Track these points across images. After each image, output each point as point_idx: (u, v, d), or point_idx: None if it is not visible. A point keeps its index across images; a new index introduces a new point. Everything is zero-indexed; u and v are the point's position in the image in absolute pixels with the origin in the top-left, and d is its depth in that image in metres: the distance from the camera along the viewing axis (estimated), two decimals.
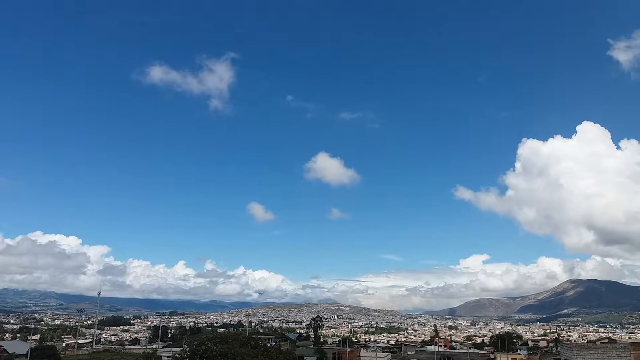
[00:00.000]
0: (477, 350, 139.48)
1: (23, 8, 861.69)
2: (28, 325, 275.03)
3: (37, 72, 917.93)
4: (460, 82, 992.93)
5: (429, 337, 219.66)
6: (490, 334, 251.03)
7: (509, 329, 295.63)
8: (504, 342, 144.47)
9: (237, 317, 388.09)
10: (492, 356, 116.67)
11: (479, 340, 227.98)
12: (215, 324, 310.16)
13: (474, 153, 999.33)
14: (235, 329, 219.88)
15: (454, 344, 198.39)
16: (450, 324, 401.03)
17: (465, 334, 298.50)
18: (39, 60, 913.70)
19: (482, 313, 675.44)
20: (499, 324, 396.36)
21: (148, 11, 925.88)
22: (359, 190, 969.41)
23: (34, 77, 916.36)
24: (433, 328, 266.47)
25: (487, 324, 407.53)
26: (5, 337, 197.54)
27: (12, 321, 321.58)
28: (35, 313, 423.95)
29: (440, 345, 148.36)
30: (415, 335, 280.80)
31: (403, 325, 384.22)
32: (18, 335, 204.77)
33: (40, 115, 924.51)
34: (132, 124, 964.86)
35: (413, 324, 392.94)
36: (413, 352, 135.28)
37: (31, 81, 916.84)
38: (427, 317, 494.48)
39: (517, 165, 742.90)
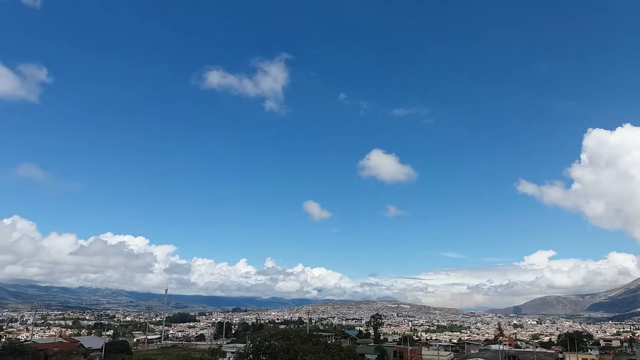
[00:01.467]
0: (544, 350, 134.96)
1: (92, 17, 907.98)
2: (102, 321, 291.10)
3: (105, 79, 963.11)
4: (520, 73, 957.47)
5: (493, 336, 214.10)
6: (558, 332, 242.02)
7: (578, 327, 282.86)
8: (573, 341, 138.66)
9: (297, 314, 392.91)
10: (560, 356, 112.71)
11: (546, 339, 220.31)
12: (276, 321, 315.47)
13: (536, 145, 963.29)
14: (296, 326, 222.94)
15: (519, 342, 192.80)
16: (515, 322, 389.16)
17: (531, 333, 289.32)
18: (105, 67, 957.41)
19: (549, 311, 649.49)
20: (567, 323, 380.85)
21: (202, 17, 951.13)
22: (416, 186, 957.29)
23: (102, 85, 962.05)
24: (497, 326, 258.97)
25: (554, 323, 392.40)
26: (82, 332, 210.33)
27: (87, 317, 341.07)
28: (108, 310, 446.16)
29: (505, 344, 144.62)
30: (478, 334, 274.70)
31: (465, 323, 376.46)
32: (93, 331, 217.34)
33: (110, 121, 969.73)
34: (193, 128, 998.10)
35: (476, 323, 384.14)
36: (477, 351, 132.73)
37: (99, 88, 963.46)
38: (490, 315, 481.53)
39: (583, 156, 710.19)
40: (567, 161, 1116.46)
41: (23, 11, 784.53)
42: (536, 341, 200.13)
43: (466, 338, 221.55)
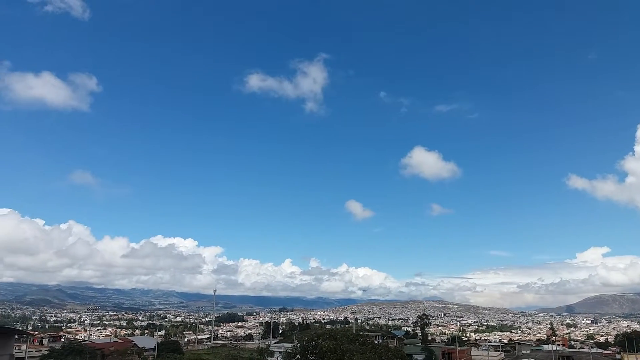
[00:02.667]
0: (600, 350, 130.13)
1: (135, 28, 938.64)
2: (154, 322, 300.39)
3: (150, 88, 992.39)
4: (568, 63, 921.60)
5: (545, 336, 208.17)
6: (615, 332, 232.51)
7: (637, 327, 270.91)
8: (632, 341, 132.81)
9: (342, 314, 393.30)
10: (618, 357, 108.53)
11: (602, 339, 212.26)
12: (322, 321, 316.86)
13: (586, 138, 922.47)
14: (342, 326, 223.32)
15: (573, 342, 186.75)
16: (568, 321, 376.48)
17: (586, 333, 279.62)
18: (150, 76, 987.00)
19: (604, 310, 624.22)
20: (624, 322, 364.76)
21: (240, 20, 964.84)
22: (461, 183, 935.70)
23: (148, 93, 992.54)
24: (549, 326, 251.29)
25: (610, 322, 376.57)
26: (135, 332, 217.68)
27: (140, 318, 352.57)
28: (160, 311, 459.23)
29: (558, 344, 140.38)
30: (529, 334, 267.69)
31: (516, 323, 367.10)
32: (146, 331, 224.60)
33: (156, 128, 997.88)
34: (236, 132, 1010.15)
35: (526, 322, 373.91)
36: (528, 351, 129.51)
37: (145, 96, 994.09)
38: (541, 314, 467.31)
39: (637, 148, 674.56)
40: (620, 154, 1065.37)
41: (72, 24, 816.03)
42: (591, 341, 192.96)
43: (517, 338, 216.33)
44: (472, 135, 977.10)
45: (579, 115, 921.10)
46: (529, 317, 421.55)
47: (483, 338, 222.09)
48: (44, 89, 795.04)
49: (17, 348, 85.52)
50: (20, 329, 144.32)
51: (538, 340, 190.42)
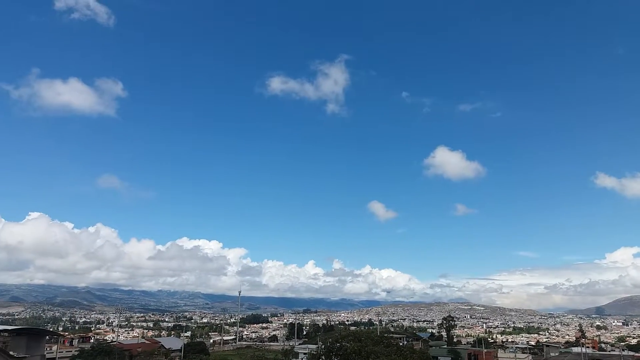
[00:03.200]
0: (632, 353, 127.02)
1: (158, 34, 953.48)
2: (180, 323, 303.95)
3: (174, 93, 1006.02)
4: (594, 58, 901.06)
5: (574, 338, 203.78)
6: None
7: None
8: None
9: (366, 316, 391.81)
10: None
11: (634, 341, 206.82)
12: (346, 322, 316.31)
13: (614, 136, 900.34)
14: (366, 327, 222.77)
15: (603, 345, 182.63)
16: (597, 323, 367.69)
17: (617, 335, 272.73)
18: (173, 82, 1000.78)
19: (636, 312, 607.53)
20: None
21: (261, 24, 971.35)
22: (485, 183, 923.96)
23: (172, 98, 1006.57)
24: (578, 328, 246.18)
25: None
26: (162, 333, 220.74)
27: (166, 319, 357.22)
28: (186, 312, 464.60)
29: (588, 347, 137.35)
30: (557, 336, 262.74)
31: (543, 325, 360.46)
32: (172, 332, 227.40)
33: (180, 132, 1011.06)
34: (259, 134, 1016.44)
35: (555, 324, 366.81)
36: (557, 354, 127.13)
37: (169, 101, 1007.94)
38: (570, 316, 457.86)
39: None
40: None
41: (98, 30, 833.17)
42: (623, 344, 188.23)
43: (545, 340, 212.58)
44: (496, 134, 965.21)
45: (606, 112, 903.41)
46: (557, 319, 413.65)
47: (510, 340, 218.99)
48: (72, 95, 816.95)
49: (48, 348, 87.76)
50: (51, 330, 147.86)
51: (567, 342, 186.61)
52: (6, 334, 74.15)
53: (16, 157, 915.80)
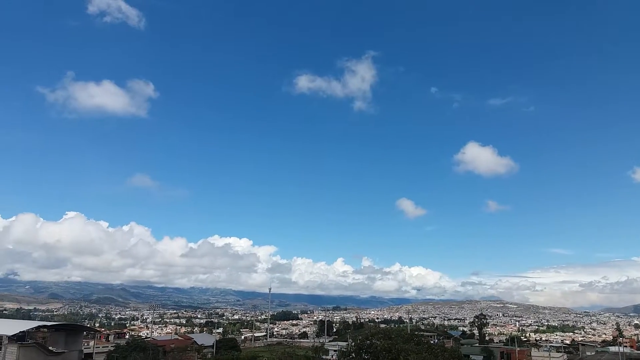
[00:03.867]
0: None
1: (188, 34, 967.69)
2: (212, 319, 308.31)
3: (203, 93, 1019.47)
4: (630, 51, 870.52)
5: (611, 337, 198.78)
6: None
7: None
8: None
9: (396, 313, 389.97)
10: None
11: None
12: (376, 320, 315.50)
13: None
14: (396, 325, 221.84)
15: None
16: (636, 322, 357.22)
17: None
18: (203, 81, 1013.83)
19: None
20: None
21: (287, 22, 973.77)
22: (518, 179, 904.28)
23: (201, 97, 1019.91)
24: (615, 327, 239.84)
25: None
26: (194, 330, 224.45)
27: (199, 316, 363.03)
28: (217, 309, 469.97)
29: (626, 346, 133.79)
30: (593, 335, 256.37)
31: (578, 323, 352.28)
32: (204, 329, 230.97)
33: (211, 131, 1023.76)
34: (287, 133, 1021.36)
35: (590, 322, 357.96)
36: (593, 353, 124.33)
37: (199, 100, 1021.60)
38: (607, 314, 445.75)
39: None
40: None
41: (129, 33, 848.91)
42: None
43: (580, 339, 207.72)
44: (529, 129, 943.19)
45: None
46: (593, 317, 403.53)
47: (544, 338, 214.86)
48: (105, 96, 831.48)
49: (85, 344, 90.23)
50: (88, 326, 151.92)
51: (603, 341, 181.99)
52: (46, 329, 76.70)
53: (53, 159, 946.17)
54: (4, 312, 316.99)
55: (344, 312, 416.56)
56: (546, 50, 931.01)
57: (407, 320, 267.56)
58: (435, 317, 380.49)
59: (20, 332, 66.31)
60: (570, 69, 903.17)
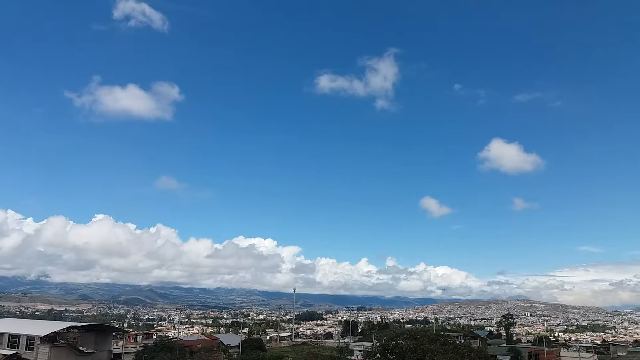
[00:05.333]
0: None
1: (210, 36, 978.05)
2: (238, 319, 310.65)
3: (226, 94, 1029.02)
4: None
5: None
6: None
7: None
8: None
9: (422, 314, 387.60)
10: None
11: None
12: (401, 320, 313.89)
13: None
14: (421, 325, 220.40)
15: None
16: None
17: None
18: (226, 83, 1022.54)
19: None
20: None
21: (308, 21, 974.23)
22: (545, 176, 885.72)
23: (225, 99, 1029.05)
24: None
25: None
26: (220, 330, 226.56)
27: (225, 316, 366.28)
28: (243, 309, 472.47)
29: None
30: (625, 335, 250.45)
31: (609, 323, 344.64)
32: (230, 329, 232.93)
33: (235, 132, 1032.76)
34: (311, 134, 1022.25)
35: (622, 322, 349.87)
36: (624, 353, 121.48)
37: (223, 102, 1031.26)
38: (639, 314, 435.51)
39: None
40: None
41: (154, 36, 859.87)
42: None
43: (611, 339, 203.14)
44: (556, 125, 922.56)
45: None
46: (624, 317, 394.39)
47: (573, 338, 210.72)
48: (130, 100, 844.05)
49: (114, 344, 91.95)
50: (117, 326, 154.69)
51: (635, 341, 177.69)
52: (76, 330, 78.42)
53: (82, 162, 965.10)
54: (36, 313, 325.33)
55: (369, 312, 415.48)
56: (573, 45, 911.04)
57: (433, 321, 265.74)
58: (462, 317, 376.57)
59: (52, 332, 67.82)
60: (598, 63, 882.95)
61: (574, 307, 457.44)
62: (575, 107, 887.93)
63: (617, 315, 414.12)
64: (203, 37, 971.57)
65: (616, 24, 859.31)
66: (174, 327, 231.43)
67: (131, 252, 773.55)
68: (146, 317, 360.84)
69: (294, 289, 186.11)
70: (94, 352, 74.03)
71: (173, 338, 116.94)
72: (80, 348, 72.83)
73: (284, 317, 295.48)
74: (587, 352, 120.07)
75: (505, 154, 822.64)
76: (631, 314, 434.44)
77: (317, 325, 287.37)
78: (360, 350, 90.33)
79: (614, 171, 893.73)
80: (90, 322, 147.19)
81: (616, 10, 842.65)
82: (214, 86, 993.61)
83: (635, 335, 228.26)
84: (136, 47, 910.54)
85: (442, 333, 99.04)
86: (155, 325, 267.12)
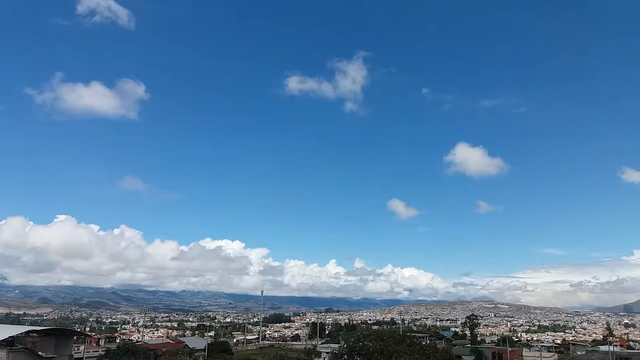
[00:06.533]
0: None
1: (178, 35, 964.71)
2: (204, 322, 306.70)
3: (193, 95, 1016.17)
4: (618, 49, 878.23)
5: (601, 336, 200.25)
6: None
7: None
8: None
9: (389, 315, 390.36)
10: None
11: None
12: (368, 321, 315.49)
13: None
14: (388, 326, 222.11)
15: (632, 343, 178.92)
16: (626, 321, 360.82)
17: None
18: (192, 84, 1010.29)
19: None
20: None
21: (277, 22, 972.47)
22: (508, 180, 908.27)
23: (192, 99, 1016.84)
24: (605, 326, 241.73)
25: None
26: (186, 333, 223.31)
27: (190, 319, 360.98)
28: (209, 312, 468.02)
29: (616, 345, 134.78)
30: (584, 334, 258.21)
31: (569, 323, 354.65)
32: (196, 332, 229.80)
33: (201, 133, 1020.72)
34: (278, 135, 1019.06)
35: (581, 322, 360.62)
36: (583, 352, 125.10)
37: (190, 102, 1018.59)
38: (597, 314, 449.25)
39: None
40: None
41: (119, 32, 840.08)
42: None
43: (571, 338, 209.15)
44: (520, 129, 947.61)
45: (633, 106, 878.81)
46: (583, 317, 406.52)
47: (535, 338, 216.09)
48: (94, 98, 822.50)
49: (75, 348, 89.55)
50: (78, 330, 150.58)
51: (594, 340, 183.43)
52: (35, 334, 75.90)
53: (43, 161, 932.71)
54: None
55: (336, 314, 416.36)
56: (537, 51, 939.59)
57: (400, 322, 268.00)
58: (427, 318, 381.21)
59: (9, 337, 65.62)
60: (561, 69, 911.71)
61: (536, 308, 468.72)
62: (538, 112, 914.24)
63: (577, 315, 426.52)
64: (170, 35, 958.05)
65: (579, 31, 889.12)
66: (138, 330, 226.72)
67: (94, 254, 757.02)
68: (109, 320, 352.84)
69: (262, 291, 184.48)
70: (54, 357, 72.00)
71: (137, 341, 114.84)
72: (40, 353, 70.59)
73: (252, 320, 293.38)
74: (548, 351, 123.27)
75: (470, 157, 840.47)
76: (590, 314, 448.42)
77: (285, 327, 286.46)
78: (327, 352, 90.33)
79: (576, 175, 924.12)
80: (50, 326, 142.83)
81: (579, 19, 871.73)
82: (181, 85, 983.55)
83: (594, 335, 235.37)
84: (101, 43, 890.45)
85: (409, 334, 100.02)
86: (118, 329, 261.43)
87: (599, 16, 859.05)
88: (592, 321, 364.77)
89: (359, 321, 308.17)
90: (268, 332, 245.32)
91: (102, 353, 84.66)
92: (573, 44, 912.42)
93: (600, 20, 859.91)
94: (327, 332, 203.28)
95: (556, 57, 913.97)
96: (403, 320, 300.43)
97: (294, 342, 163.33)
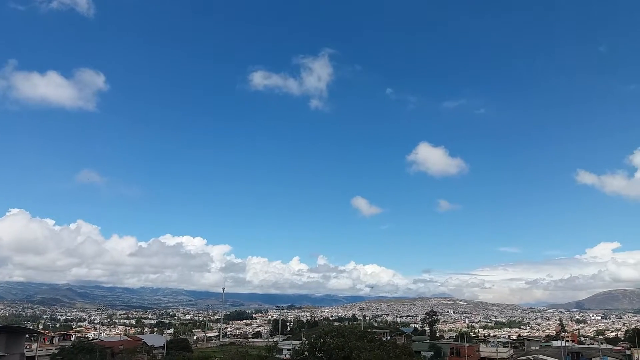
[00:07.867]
0: (610, 346, 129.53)
1: (141, 25, 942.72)
2: (163, 320, 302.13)
3: (155, 88, 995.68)
4: (576, 55, 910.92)
5: (554, 332, 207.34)
6: (625, 328, 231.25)
7: None
8: None
9: (350, 311, 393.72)
10: (628, 352, 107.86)
11: (612, 334, 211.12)
12: (330, 318, 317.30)
13: (595, 133, 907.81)
14: (350, 323, 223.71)
15: (582, 338, 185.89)
16: (577, 317, 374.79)
17: (596, 329, 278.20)
18: (154, 77, 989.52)
19: (614, 306, 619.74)
20: (634, 318, 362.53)
21: (242, 18, 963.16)
22: (468, 179, 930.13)
23: (153, 93, 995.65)
24: (558, 322, 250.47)
25: (620, 318, 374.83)
26: (145, 331, 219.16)
27: (149, 316, 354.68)
28: (169, 309, 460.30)
29: (568, 340, 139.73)
30: (538, 330, 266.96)
31: (525, 319, 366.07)
32: (155, 329, 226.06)
33: (162, 128, 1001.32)
34: (242, 131, 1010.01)
35: (536, 318, 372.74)
36: (537, 347, 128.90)
37: (151, 96, 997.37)
38: (551, 310, 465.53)
39: None
40: (629, 148, 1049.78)
41: (78, 21, 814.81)
42: (601, 337, 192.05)
43: (526, 334, 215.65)
44: (479, 131, 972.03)
45: (587, 110, 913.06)
46: (538, 313, 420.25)
47: (492, 334, 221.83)
48: (50, 88, 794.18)
49: (27, 347, 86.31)
50: (30, 328, 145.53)
51: (547, 336, 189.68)
52: None
53: None
54: None
55: (299, 310, 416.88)
56: (498, 54, 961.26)
57: (361, 318, 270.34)
58: (388, 314, 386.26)
59: None
60: (520, 72, 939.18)
61: (493, 305, 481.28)
62: (498, 114, 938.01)
63: (532, 312, 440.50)
64: (132, 27, 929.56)
65: (537, 35, 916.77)
66: (94, 327, 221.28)
67: (48, 249, 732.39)
68: (64, 317, 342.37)
69: (223, 288, 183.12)
70: (4, 355, 69.12)
71: (93, 339, 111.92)
72: None
73: (212, 317, 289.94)
74: (504, 347, 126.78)
75: (431, 157, 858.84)
76: (544, 310, 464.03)
77: (246, 324, 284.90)
78: (289, 349, 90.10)
79: (532, 176, 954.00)
80: (1, 323, 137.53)
81: (536, 23, 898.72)
82: (143, 78, 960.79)
83: (547, 331, 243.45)
84: (58, 31, 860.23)
85: (369, 330, 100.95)
86: (74, 326, 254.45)
87: (559, 19, 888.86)
88: (546, 317, 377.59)
89: (321, 318, 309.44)
90: (229, 329, 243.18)
91: (56, 351, 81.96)
92: (533, 47, 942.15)
93: (561, 23, 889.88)
94: (289, 329, 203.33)
95: (516, 60, 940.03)
96: (364, 316, 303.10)
97: (255, 340, 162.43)
